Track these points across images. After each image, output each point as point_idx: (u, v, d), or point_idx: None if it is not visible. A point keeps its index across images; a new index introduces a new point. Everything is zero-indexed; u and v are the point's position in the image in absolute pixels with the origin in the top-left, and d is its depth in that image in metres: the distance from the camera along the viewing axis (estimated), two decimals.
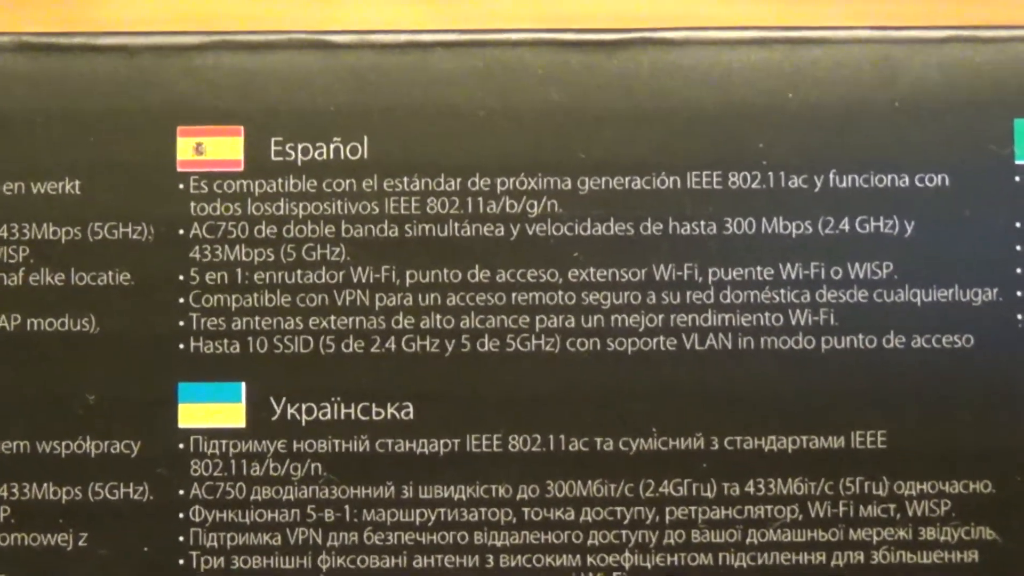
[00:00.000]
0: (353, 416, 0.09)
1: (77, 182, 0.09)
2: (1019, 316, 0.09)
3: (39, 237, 0.09)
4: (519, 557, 0.09)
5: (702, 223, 0.09)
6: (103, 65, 0.09)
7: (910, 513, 0.09)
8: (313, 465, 0.09)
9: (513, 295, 0.09)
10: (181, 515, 0.09)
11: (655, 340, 0.09)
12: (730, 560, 0.09)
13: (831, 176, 0.09)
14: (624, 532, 0.09)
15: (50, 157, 0.09)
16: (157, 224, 0.09)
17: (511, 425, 0.09)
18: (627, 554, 0.09)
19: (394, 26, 0.09)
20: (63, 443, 0.09)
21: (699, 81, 0.09)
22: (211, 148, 0.09)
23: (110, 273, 0.09)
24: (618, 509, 0.09)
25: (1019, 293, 0.09)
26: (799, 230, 0.09)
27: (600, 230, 0.09)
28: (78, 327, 0.09)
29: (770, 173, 0.09)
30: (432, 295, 0.09)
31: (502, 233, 0.09)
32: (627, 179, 0.09)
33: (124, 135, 0.09)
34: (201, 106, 0.09)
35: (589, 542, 0.09)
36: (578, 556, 0.09)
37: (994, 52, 0.09)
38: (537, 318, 0.09)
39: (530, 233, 0.09)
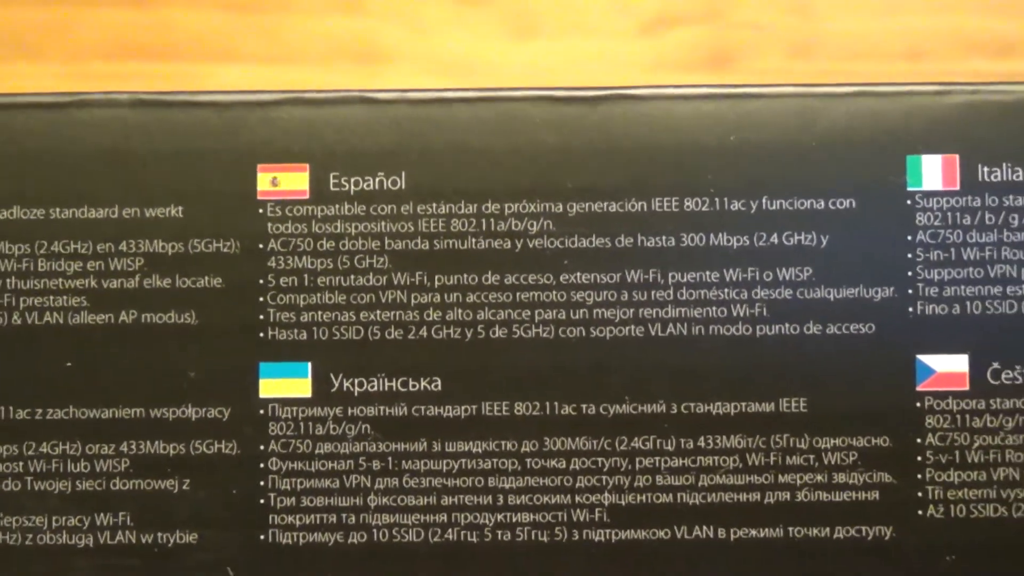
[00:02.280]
0: (394, 388, 0.11)
1: (181, 208, 0.11)
2: (910, 309, 0.11)
3: (151, 250, 0.11)
4: (522, 497, 0.11)
5: (663, 237, 0.11)
6: (200, 116, 0.11)
7: (825, 462, 0.11)
8: (363, 426, 0.11)
9: (517, 294, 0.11)
10: (261, 465, 0.11)
11: (627, 328, 0.11)
12: (685, 499, 0.11)
13: (764, 200, 0.11)
14: (604, 477, 0.11)
15: (159, 188, 0.11)
16: (242, 240, 0.11)
17: (516, 395, 0.11)
18: (606, 494, 0.11)
19: (425, 86, 0.11)
20: (171, 409, 0.11)
21: (661, 127, 0.11)
22: (283, 181, 0.11)
23: (206, 278, 0.11)
24: (599, 459, 0.11)
25: (910, 291, 0.11)
26: (739, 243, 0.11)
27: (584, 243, 0.11)
28: (182, 320, 0.11)
29: (716, 198, 0.11)
30: (455, 294, 0.11)
31: (508, 246, 0.11)
32: (605, 203, 0.11)
33: (216, 171, 0.11)
34: (276, 148, 0.11)
35: (577, 485, 0.11)
36: (568, 496, 0.11)
37: (889, 103, 0.11)
38: (536, 312, 0.11)
39: (530, 246, 0.11)
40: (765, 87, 0.11)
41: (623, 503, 0.11)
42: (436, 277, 0.11)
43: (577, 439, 0.11)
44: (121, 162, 0.11)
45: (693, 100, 0.11)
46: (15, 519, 0.11)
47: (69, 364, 0.11)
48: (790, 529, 0.11)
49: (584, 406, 0.11)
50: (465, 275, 0.11)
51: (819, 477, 0.11)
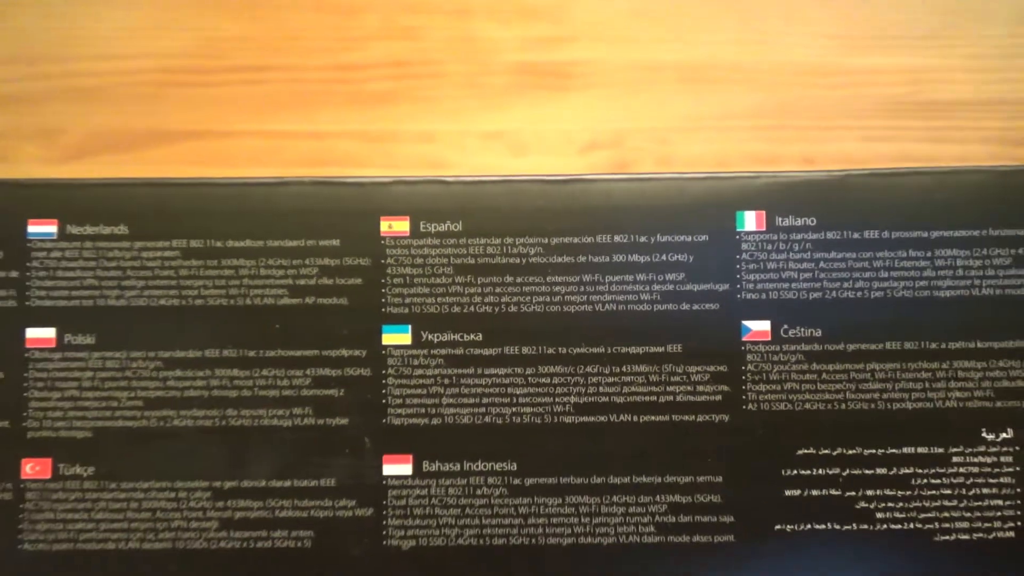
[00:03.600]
0: (455, 339, 0.19)
1: (338, 240, 0.19)
2: (738, 296, 0.19)
3: (323, 263, 0.19)
4: (526, 399, 0.19)
5: (602, 257, 0.19)
6: (349, 191, 0.20)
7: (692, 380, 0.19)
8: (439, 360, 0.19)
9: (522, 287, 0.19)
10: (383, 382, 0.19)
11: (583, 307, 0.19)
12: (615, 399, 0.19)
13: (657, 235, 0.19)
14: (570, 387, 0.19)
15: (327, 229, 0.19)
16: (372, 258, 0.19)
17: (522, 342, 0.19)
18: (572, 397, 0.19)
19: (471, 173, 0.19)
20: (334, 351, 0.19)
21: (597, 195, 0.20)
22: (395, 226, 0.19)
23: (352, 279, 0.19)
24: (568, 377, 0.19)
25: (738, 286, 0.19)
26: (644, 259, 0.19)
27: (559, 260, 0.19)
28: (339, 302, 0.19)
29: (633, 235, 0.19)
30: (489, 288, 0.19)
31: (518, 262, 0.19)
32: (570, 238, 0.19)
33: (358, 219, 0.19)
34: (390, 208, 0.20)
35: (556, 391, 0.19)
36: (551, 397, 0.19)
37: (724, 183, 0.19)
38: (532, 297, 0.19)
39: (530, 262, 0.19)
40: (651, 175, 0.20)
41: (581, 401, 0.19)
42: (478, 279, 0.19)
43: (555, 366, 0.19)
44: (306, 215, 0.20)
45: (613, 183, 0.20)
46: (251, 411, 0.19)
47: (277, 326, 0.19)
48: (672, 416, 0.19)
49: (560, 348, 0.19)
50: (494, 278, 0.19)
51: (688, 388, 0.19)
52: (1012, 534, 0.19)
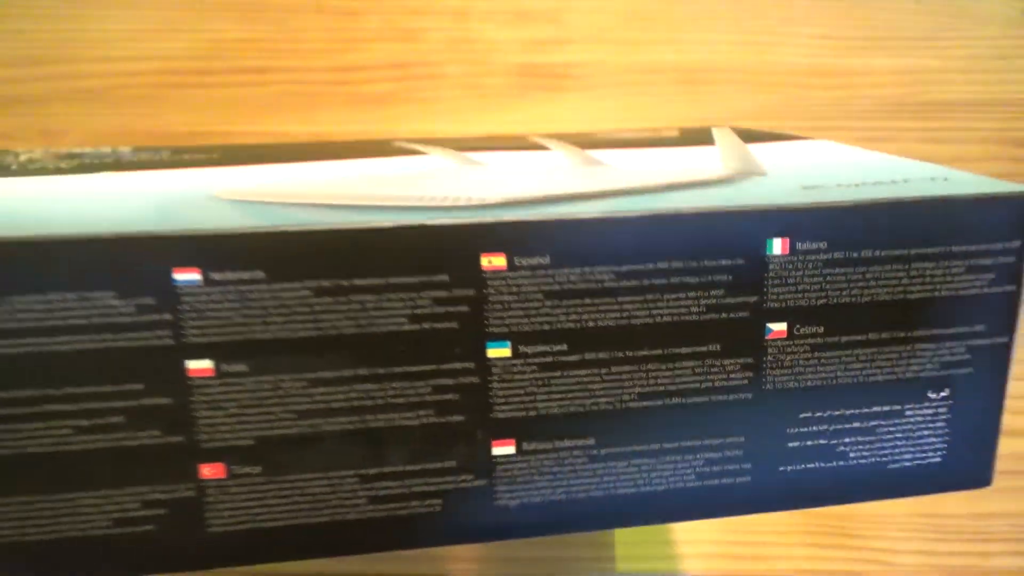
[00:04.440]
0: (546, 350, 0.24)
1: (447, 276, 0.23)
2: (764, 305, 0.24)
3: (436, 295, 0.23)
4: (602, 391, 0.24)
5: (661, 279, 0.24)
6: (454, 232, 0.23)
7: (727, 369, 0.25)
8: (533, 366, 0.24)
9: (598, 307, 0.24)
10: (489, 387, 0.24)
11: (646, 319, 0.24)
12: (670, 387, 0.25)
13: (706, 261, 0.24)
14: (636, 381, 0.24)
15: (437, 268, 0.23)
16: (477, 289, 0.23)
17: (598, 349, 0.24)
18: (636, 388, 0.25)
19: (559, 216, 0.23)
20: (448, 365, 0.23)
21: (661, 232, 0.23)
22: (494, 261, 0.23)
23: (460, 307, 0.23)
24: (635, 374, 0.24)
25: (765, 297, 0.24)
26: (694, 280, 0.24)
27: (628, 283, 0.24)
28: (450, 326, 0.23)
29: (687, 262, 0.24)
30: (572, 308, 0.24)
31: (595, 287, 0.23)
32: (638, 266, 0.24)
33: (464, 259, 0.23)
34: (490, 246, 0.23)
35: (624, 384, 0.24)
36: (621, 389, 0.24)
37: (759, 214, 0.24)
38: (607, 314, 0.24)
39: (604, 286, 0.24)
40: (707, 210, 0.23)
41: (644, 391, 0.24)
42: (563, 301, 0.23)
43: (624, 366, 0.24)
44: (420, 255, 0.23)
45: (672, 222, 0.23)
46: (385, 415, 0.23)
47: (401, 348, 0.23)
48: (711, 397, 0.25)
49: (627, 352, 0.24)
50: (575, 300, 0.24)
51: (723, 375, 0.25)
52: (939, 459, 0.26)
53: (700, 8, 0.57)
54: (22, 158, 0.40)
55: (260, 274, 0.22)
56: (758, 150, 0.33)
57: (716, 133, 0.34)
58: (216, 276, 0.22)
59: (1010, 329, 0.25)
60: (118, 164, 0.35)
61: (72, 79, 0.67)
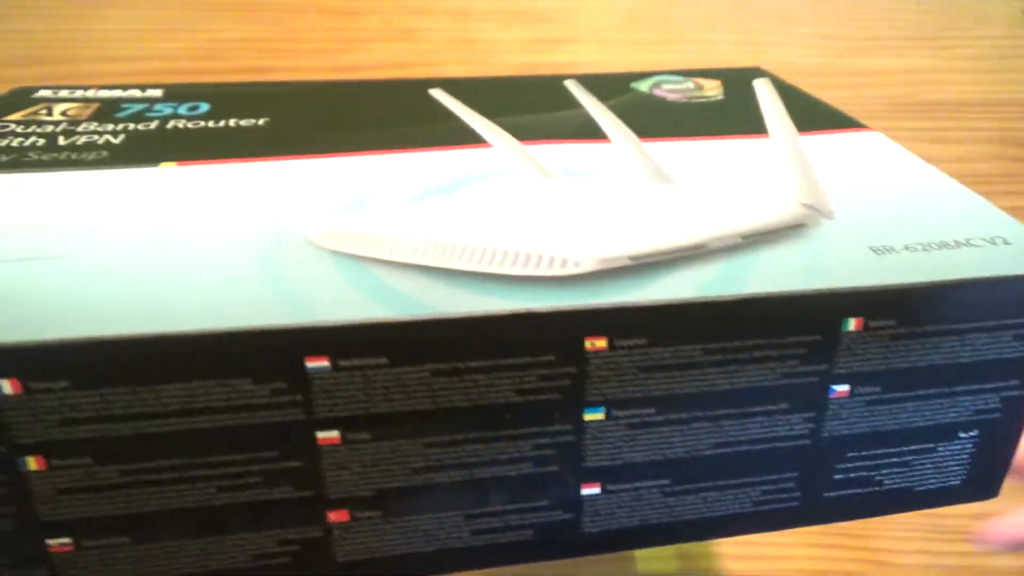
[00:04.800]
0: (636, 413, 0.26)
1: (553, 356, 0.24)
2: (831, 371, 0.27)
3: (542, 372, 0.25)
4: (680, 442, 0.27)
5: (744, 353, 0.26)
6: (560, 320, 0.24)
7: (791, 423, 0.27)
8: (623, 426, 0.26)
9: (686, 377, 0.26)
10: (583, 444, 0.26)
11: (726, 386, 0.26)
12: (741, 438, 0.27)
13: (786, 338, 0.26)
14: (712, 435, 0.27)
15: (544, 350, 0.24)
16: (579, 367, 0.25)
17: (682, 410, 0.26)
18: (712, 439, 0.27)
19: (656, 298, 0.24)
20: (549, 427, 0.26)
21: (743, 314, 0.25)
22: (596, 344, 0.25)
23: (562, 382, 0.25)
24: (712, 430, 0.27)
25: (833, 366, 0.26)
26: (773, 353, 0.26)
27: (713, 357, 0.25)
28: (552, 398, 0.25)
29: (767, 339, 0.26)
30: (662, 379, 0.26)
31: (684, 361, 0.25)
32: (722, 343, 0.25)
33: (568, 342, 0.24)
34: (592, 330, 0.24)
35: (702, 437, 0.27)
36: (698, 440, 0.27)
37: (835, 296, 0.25)
38: (693, 383, 0.26)
39: (693, 360, 0.25)
40: (783, 292, 0.25)
41: (719, 441, 0.27)
42: (655, 374, 0.25)
43: (703, 423, 0.27)
44: (528, 339, 0.24)
45: (751, 301, 0.25)
46: (490, 469, 0.26)
47: (508, 416, 0.25)
48: (775, 444, 0.28)
49: (707, 411, 0.27)
50: (666, 372, 0.26)
51: (788, 427, 0.27)
52: (958, 482, 0.30)
53: (700, 8, 0.55)
54: (57, 114, 0.39)
55: (384, 360, 0.24)
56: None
57: (771, 126, 0.34)
58: (344, 363, 0.24)
59: None
60: (165, 140, 0.36)
61: (72, 79, 0.63)
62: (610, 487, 0.27)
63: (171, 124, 0.38)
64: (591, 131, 0.36)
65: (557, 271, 0.25)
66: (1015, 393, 0.28)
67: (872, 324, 0.26)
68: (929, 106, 0.60)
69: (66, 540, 0.25)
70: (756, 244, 0.27)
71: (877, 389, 0.27)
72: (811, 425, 0.28)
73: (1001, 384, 0.28)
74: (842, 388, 0.27)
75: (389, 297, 0.24)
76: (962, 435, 0.29)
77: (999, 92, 0.61)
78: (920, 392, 0.28)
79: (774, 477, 0.28)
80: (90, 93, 0.42)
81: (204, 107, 0.40)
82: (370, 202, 0.30)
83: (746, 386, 0.26)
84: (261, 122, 0.38)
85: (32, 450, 0.23)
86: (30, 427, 0.23)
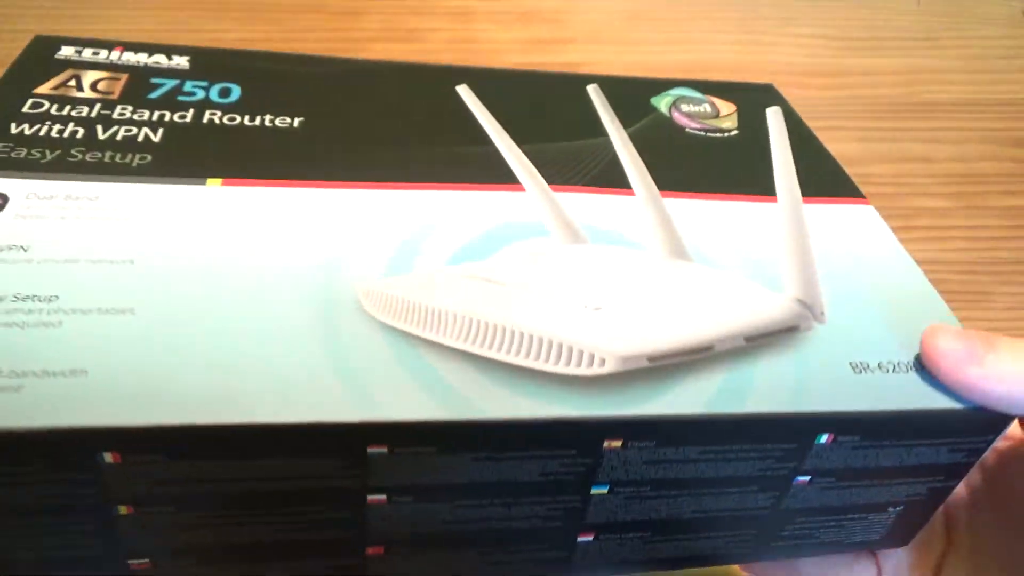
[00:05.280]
0: (637, 490, 0.31)
1: (575, 451, 0.28)
2: (799, 468, 0.31)
3: (561, 461, 0.29)
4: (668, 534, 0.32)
5: (732, 455, 0.30)
6: (587, 427, 0.28)
7: (764, 504, 0.32)
8: (622, 497, 0.31)
9: (680, 470, 0.30)
10: (587, 510, 0.31)
11: (713, 476, 0.31)
12: (705, 516, 0.32)
13: (768, 445, 0.30)
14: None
15: (564, 447, 0.28)
16: (594, 459, 0.29)
17: (679, 491, 0.31)
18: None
19: (665, 412, 0.28)
20: (561, 497, 0.30)
21: (738, 428, 0.29)
22: (612, 443, 0.28)
23: (578, 470, 0.29)
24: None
25: (803, 464, 0.31)
26: (757, 456, 0.30)
27: (709, 457, 0.30)
28: (566, 479, 0.29)
29: (756, 445, 0.30)
30: (660, 468, 0.30)
31: (684, 459, 0.30)
32: (717, 447, 0.30)
33: (588, 442, 0.28)
34: (610, 433, 0.28)
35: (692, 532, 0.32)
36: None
37: (810, 416, 0.29)
38: (686, 476, 0.30)
39: (687, 458, 0.30)
40: (774, 413, 0.29)
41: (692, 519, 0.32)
42: (657, 466, 0.30)
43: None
44: (547, 437, 0.28)
45: (742, 419, 0.29)
46: (503, 521, 0.30)
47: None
48: (759, 513, 0.33)
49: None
50: (666, 465, 0.30)
51: (766, 504, 0.32)
52: (877, 537, 0.36)
53: (700, 8, 0.56)
54: (88, 88, 0.39)
55: (432, 448, 0.27)
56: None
57: (779, 196, 0.36)
58: (399, 450, 0.27)
59: (961, 476, 0.34)
60: (204, 140, 0.37)
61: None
62: (601, 536, 0.32)
63: (206, 116, 0.38)
64: (616, 178, 0.39)
65: (584, 371, 0.29)
66: (940, 484, 0.34)
67: (841, 438, 0.30)
68: (928, 106, 0.62)
69: (145, 560, 0.29)
70: (756, 346, 0.31)
71: (832, 479, 0.32)
72: (773, 501, 0.33)
73: (931, 478, 0.33)
74: (804, 479, 0.32)
75: (439, 391, 0.27)
76: (890, 509, 0.35)
77: (999, 92, 0.62)
78: (865, 483, 0.33)
79: (736, 533, 0.34)
80: (115, 57, 0.42)
81: (236, 92, 0.40)
82: (414, 264, 0.32)
83: (728, 475, 0.31)
84: (296, 123, 0.39)
85: (124, 501, 0.27)
86: (125, 487, 0.26)
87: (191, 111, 0.38)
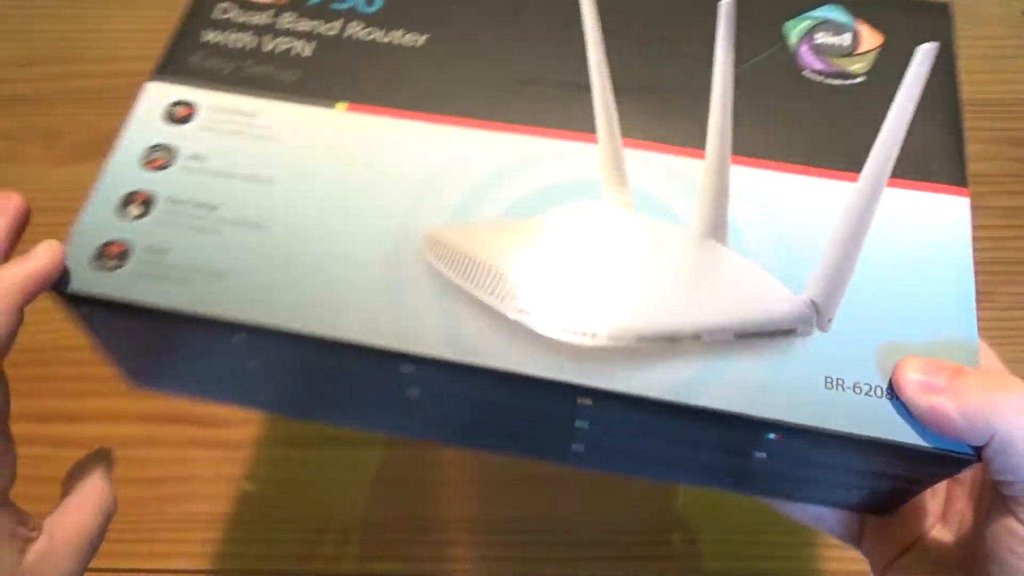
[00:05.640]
0: None
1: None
2: None
3: None
4: None
5: None
6: None
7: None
8: None
9: None
10: None
11: None
12: None
13: None
14: None
15: None
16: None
17: None
18: None
19: None
20: None
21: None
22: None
23: None
24: None
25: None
26: None
27: None
28: None
29: None
30: None
31: None
32: None
33: None
34: None
35: None
36: None
37: None
38: None
39: None
40: None
41: None
42: (634, 427, 0.36)
43: None
44: None
45: None
46: None
47: None
48: None
49: None
50: None
51: None
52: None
53: None
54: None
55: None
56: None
57: (863, 178, 0.32)
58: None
59: (928, 486, 0.34)
60: (343, 57, 0.38)
61: (72, 79, 0.59)
62: (591, 452, 0.36)
63: (348, 30, 0.39)
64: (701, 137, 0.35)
65: (578, 340, 0.31)
66: (906, 487, 0.33)
67: (788, 440, 0.31)
68: None
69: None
70: (747, 341, 0.31)
71: (791, 462, 0.33)
72: (737, 463, 0.34)
73: (894, 481, 0.32)
74: (762, 454, 0.33)
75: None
76: (860, 488, 0.35)
77: (999, 92, 0.62)
78: (823, 472, 0.33)
79: (710, 473, 0.36)
80: None
81: (379, 1, 0.40)
82: (477, 212, 0.34)
83: (692, 439, 0.33)
84: (422, 41, 0.39)
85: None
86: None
87: (339, 22, 0.39)
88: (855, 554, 0.39)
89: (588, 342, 0.31)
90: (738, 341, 0.32)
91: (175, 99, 0.36)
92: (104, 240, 0.33)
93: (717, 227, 0.34)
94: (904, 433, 0.29)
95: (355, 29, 0.39)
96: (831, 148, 0.35)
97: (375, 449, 0.51)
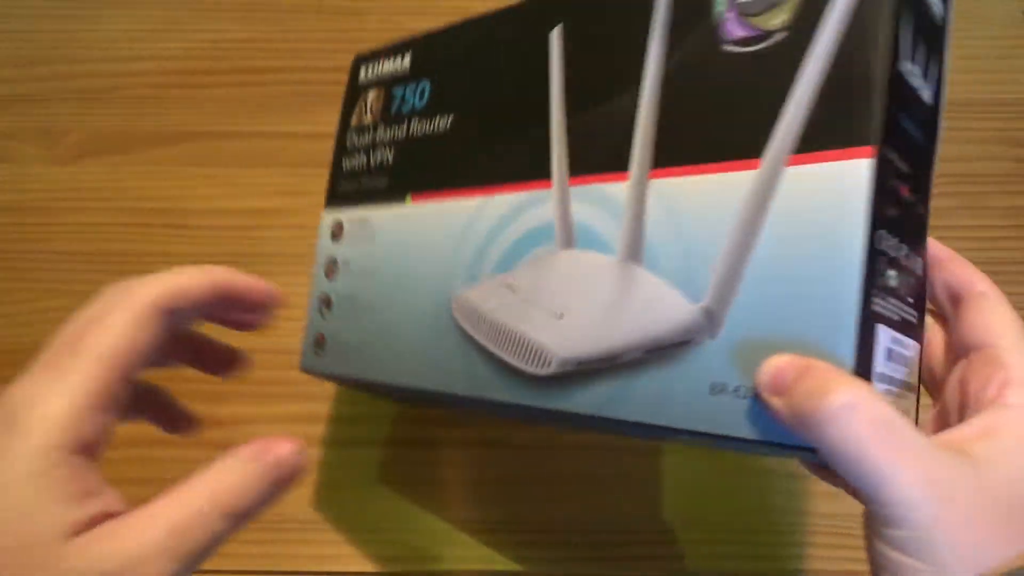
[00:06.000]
0: None
1: None
2: None
3: None
4: None
5: None
6: None
7: None
8: None
9: None
10: None
11: None
12: None
13: None
14: None
15: None
16: None
17: None
18: None
19: None
20: None
21: None
22: None
23: None
24: None
25: None
26: None
27: None
28: None
29: None
30: None
31: None
32: None
33: None
34: None
35: None
36: None
37: None
38: None
39: None
40: None
41: None
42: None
43: None
44: None
45: None
46: None
47: None
48: None
49: None
50: None
51: None
52: None
53: None
54: (368, 112, 0.48)
55: None
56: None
57: (762, 169, 0.29)
58: None
59: None
60: (410, 156, 0.45)
61: (72, 79, 0.59)
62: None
63: (411, 128, 0.44)
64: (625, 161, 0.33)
65: (534, 369, 0.36)
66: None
67: (693, 437, 0.30)
68: None
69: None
70: (657, 353, 0.31)
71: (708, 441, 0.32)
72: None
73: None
74: (682, 437, 0.32)
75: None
76: None
77: (999, 92, 0.60)
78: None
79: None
80: (387, 67, 0.46)
81: (426, 91, 0.43)
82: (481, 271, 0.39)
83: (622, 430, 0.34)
84: (450, 123, 0.42)
85: None
86: None
87: (405, 123, 0.44)
88: (844, 553, 0.38)
89: (544, 371, 0.35)
90: (649, 355, 0.32)
91: (331, 221, 0.47)
92: (316, 333, 0.46)
93: (634, 249, 0.33)
94: (751, 431, 0.28)
95: (415, 126, 0.44)
96: (739, 136, 0.29)
97: (375, 449, 0.51)
